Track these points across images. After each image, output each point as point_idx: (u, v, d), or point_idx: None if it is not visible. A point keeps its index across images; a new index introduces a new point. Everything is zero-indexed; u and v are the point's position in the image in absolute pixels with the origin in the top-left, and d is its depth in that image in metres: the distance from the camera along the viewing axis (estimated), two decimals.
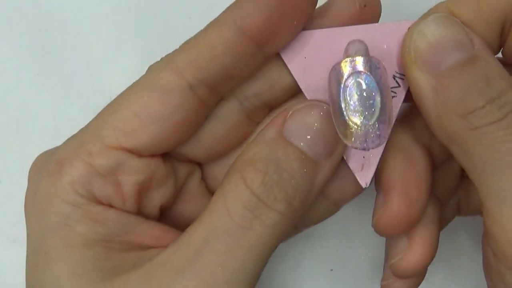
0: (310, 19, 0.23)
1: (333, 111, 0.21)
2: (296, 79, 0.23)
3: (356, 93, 0.20)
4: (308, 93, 0.23)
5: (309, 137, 0.21)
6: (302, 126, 0.21)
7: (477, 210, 0.27)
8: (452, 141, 0.20)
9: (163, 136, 0.22)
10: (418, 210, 0.23)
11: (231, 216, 0.20)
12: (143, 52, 0.32)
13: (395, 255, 0.24)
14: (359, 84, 0.20)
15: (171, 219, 0.25)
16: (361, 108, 0.20)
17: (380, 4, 0.23)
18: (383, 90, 0.20)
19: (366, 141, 0.20)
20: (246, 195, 0.20)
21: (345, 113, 0.20)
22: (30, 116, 0.32)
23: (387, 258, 0.25)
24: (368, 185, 0.24)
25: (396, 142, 0.24)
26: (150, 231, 0.23)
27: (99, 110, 0.23)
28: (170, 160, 0.24)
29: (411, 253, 0.24)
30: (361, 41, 0.22)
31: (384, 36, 0.23)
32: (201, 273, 0.20)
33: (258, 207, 0.20)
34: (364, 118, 0.20)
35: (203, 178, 0.26)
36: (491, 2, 0.22)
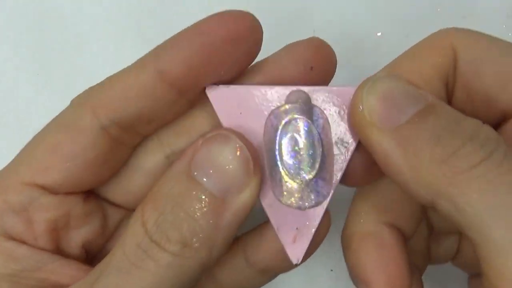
0: (242, 71, 0.21)
1: (267, 161, 0.19)
2: None
3: (295, 141, 0.17)
4: None
5: (211, 171, 0.19)
6: (207, 159, 0.19)
7: (448, 258, 0.26)
8: (437, 196, 0.18)
9: (76, 174, 0.22)
10: None
11: (125, 253, 0.20)
12: (143, 52, 0.32)
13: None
14: (298, 131, 0.18)
15: None
16: (298, 159, 0.17)
17: (334, 67, 0.22)
18: (324, 142, 0.18)
19: (302, 198, 0.17)
20: (140, 233, 0.20)
21: (279, 163, 0.18)
22: (30, 116, 0.33)
23: None
24: (299, 262, 0.21)
25: (362, 229, 0.22)
26: (67, 270, 0.22)
27: None
28: (98, 201, 0.24)
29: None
30: (303, 92, 0.20)
31: (326, 100, 0.20)
32: None
33: (150, 247, 0.19)
34: (301, 170, 0.17)
35: None
36: (430, 63, 0.21)
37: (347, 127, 0.20)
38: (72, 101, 0.22)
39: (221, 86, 0.21)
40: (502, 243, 0.16)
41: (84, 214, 0.23)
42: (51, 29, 0.33)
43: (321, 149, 0.18)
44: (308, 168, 0.17)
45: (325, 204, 0.18)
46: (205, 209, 0.19)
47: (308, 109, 0.18)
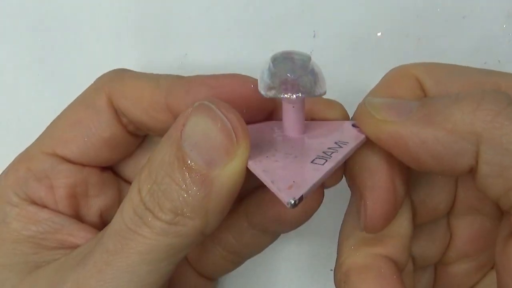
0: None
1: (261, 75, 0.21)
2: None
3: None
4: None
5: (195, 142, 0.19)
6: (192, 130, 0.20)
7: None
8: (480, 141, 0.18)
9: (92, 150, 0.24)
10: (399, 202, 0.22)
11: (123, 218, 0.20)
12: (143, 52, 0.32)
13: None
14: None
15: None
16: (289, 64, 0.20)
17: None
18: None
19: (291, 87, 0.20)
20: (136, 200, 0.20)
21: (273, 68, 0.20)
22: (30, 116, 0.33)
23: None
24: (293, 203, 0.19)
25: (360, 262, 0.22)
26: (83, 233, 0.24)
27: None
28: (114, 176, 0.26)
29: None
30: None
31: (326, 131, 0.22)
32: (91, 269, 0.21)
33: (145, 214, 0.20)
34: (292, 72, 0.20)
35: None
36: (404, 88, 0.22)
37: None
38: (95, 80, 0.25)
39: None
40: None
41: (101, 183, 0.26)
42: (51, 29, 0.33)
43: (309, 62, 0.20)
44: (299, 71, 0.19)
45: (326, 167, 0.19)
46: (192, 180, 0.19)
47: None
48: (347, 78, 0.31)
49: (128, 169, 0.27)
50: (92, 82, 0.25)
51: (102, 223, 0.26)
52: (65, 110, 0.25)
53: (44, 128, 0.25)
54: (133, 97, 0.24)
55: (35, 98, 0.33)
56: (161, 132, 0.22)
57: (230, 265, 0.27)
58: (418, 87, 0.22)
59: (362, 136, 0.22)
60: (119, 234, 0.20)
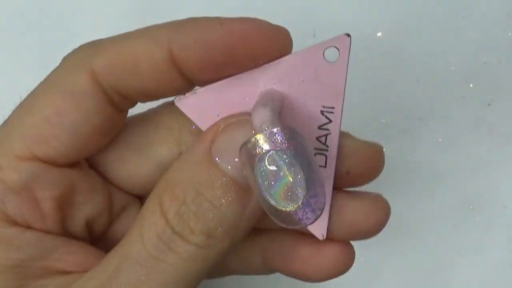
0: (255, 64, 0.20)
1: (257, 195, 0.17)
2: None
3: (274, 176, 0.17)
4: None
5: (236, 159, 0.18)
6: (231, 146, 0.18)
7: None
8: None
9: (80, 144, 0.20)
10: None
11: (145, 245, 0.19)
12: None
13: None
14: (274, 165, 0.17)
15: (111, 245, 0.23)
16: (284, 191, 0.17)
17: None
18: (305, 161, 0.17)
19: (300, 219, 0.17)
20: (161, 225, 0.18)
21: (268, 197, 0.17)
22: None
23: None
24: (324, 237, 0.21)
25: None
26: (72, 256, 0.21)
27: None
28: (101, 179, 0.22)
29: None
30: (265, 106, 0.18)
31: (297, 68, 0.19)
32: None
33: (172, 239, 0.18)
34: (290, 201, 0.17)
35: None
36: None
37: (323, 88, 0.20)
38: (67, 61, 0.20)
39: (188, 95, 0.20)
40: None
41: (89, 187, 0.21)
42: (51, 29, 0.33)
43: (301, 173, 0.17)
44: (296, 197, 0.17)
45: (324, 210, 0.18)
46: (230, 198, 0.18)
47: (276, 135, 0.17)
48: (347, 78, 0.31)
49: (120, 174, 0.23)
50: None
51: (87, 235, 0.22)
52: (32, 99, 0.20)
53: None
54: (126, 66, 0.19)
55: None
56: (168, 95, 0.21)
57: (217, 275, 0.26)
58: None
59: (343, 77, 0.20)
60: (140, 264, 0.18)
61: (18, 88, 0.33)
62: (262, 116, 0.18)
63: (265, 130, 0.17)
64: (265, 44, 0.19)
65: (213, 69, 0.19)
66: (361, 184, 0.21)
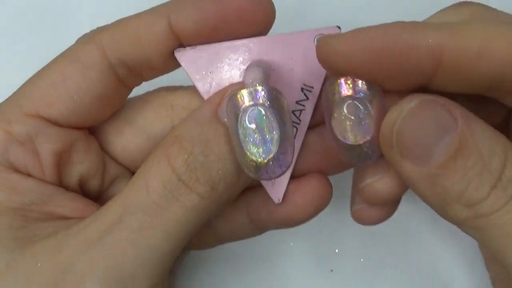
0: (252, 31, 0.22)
1: (233, 142, 0.20)
2: (203, 96, 0.22)
3: (253, 127, 0.19)
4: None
5: None
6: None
7: None
8: (460, 225, 0.19)
9: (82, 109, 0.22)
10: None
11: (149, 194, 0.20)
12: None
13: (371, 176, 0.22)
14: (256, 118, 0.19)
15: None
16: (259, 143, 0.19)
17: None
18: (283, 121, 0.19)
19: (267, 172, 0.19)
20: (167, 173, 0.20)
21: (243, 145, 0.19)
22: None
23: (358, 181, 0.23)
24: (280, 201, 0.23)
25: None
26: (71, 203, 0.22)
27: None
28: (97, 144, 0.24)
29: (392, 174, 0.21)
30: (259, 66, 0.21)
31: (289, 47, 0.22)
32: (111, 248, 0.19)
33: (178, 187, 0.20)
34: (263, 152, 0.19)
35: None
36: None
37: (308, 69, 0.21)
38: (79, 40, 0.23)
39: (188, 48, 0.22)
40: None
41: (86, 148, 0.23)
42: (51, 29, 0.33)
43: (278, 131, 0.19)
44: (268, 150, 0.19)
45: (288, 169, 0.20)
46: (233, 154, 0.20)
47: (264, 92, 0.19)
48: None
49: (114, 144, 0.24)
50: None
51: (81, 192, 0.24)
52: (44, 69, 0.23)
53: None
54: (129, 38, 0.21)
55: None
56: (167, 68, 0.22)
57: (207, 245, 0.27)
58: None
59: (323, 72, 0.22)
60: (143, 211, 0.19)
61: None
62: (254, 74, 0.20)
63: (255, 86, 0.19)
64: (251, 8, 0.21)
65: (207, 35, 0.21)
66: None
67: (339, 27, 0.22)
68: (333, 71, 0.20)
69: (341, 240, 0.32)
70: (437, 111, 0.18)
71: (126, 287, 0.19)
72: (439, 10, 0.22)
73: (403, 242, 0.32)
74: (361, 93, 0.19)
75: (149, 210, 0.19)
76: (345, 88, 0.19)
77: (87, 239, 0.20)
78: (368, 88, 0.19)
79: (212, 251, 0.31)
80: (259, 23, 0.21)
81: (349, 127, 0.19)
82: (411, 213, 0.31)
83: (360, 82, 0.19)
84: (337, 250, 0.32)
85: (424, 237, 0.32)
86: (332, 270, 0.32)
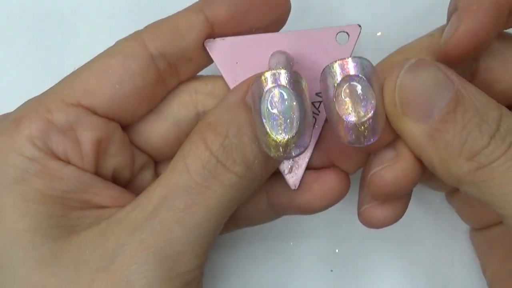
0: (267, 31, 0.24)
1: (255, 121, 0.21)
2: (229, 85, 0.24)
3: (276, 107, 0.20)
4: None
5: None
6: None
7: None
8: (461, 183, 0.20)
9: (121, 101, 0.23)
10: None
11: (191, 174, 0.21)
12: None
13: (378, 165, 0.23)
14: (278, 99, 0.20)
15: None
16: (280, 123, 0.20)
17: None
18: (303, 104, 0.20)
19: (287, 151, 0.20)
20: (206, 156, 0.21)
21: (266, 125, 0.20)
22: None
23: (366, 174, 0.24)
24: (296, 187, 0.24)
25: None
26: (108, 192, 0.23)
27: None
28: (127, 137, 0.25)
29: (399, 162, 0.22)
30: (283, 53, 0.23)
31: (311, 42, 0.23)
32: (158, 228, 0.20)
33: (216, 168, 0.21)
34: (284, 132, 0.20)
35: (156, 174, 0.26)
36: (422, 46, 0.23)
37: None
38: (118, 40, 0.24)
39: (217, 39, 0.24)
40: None
41: (122, 142, 0.24)
42: (51, 29, 0.33)
43: (298, 113, 0.20)
44: (290, 130, 0.20)
45: (307, 149, 0.21)
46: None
47: (287, 75, 0.20)
48: None
49: (140, 134, 0.25)
50: None
51: (112, 182, 0.24)
52: (87, 63, 0.23)
53: None
54: (169, 30, 0.23)
55: None
56: (204, 62, 0.24)
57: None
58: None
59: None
60: (186, 191, 0.21)
61: (18, 88, 0.33)
62: (278, 58, 0.22)
63: (278, 69, 0.20)
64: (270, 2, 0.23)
65: (239, 20, 0.23)
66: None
67: (359, 26, 0.23)
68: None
69: (341, 240, 0.32)
70: (434, 70, 0.20)
71: (174, 264, 0.20)
72: (442, 9, 0.22)
73: (403, 242, 0.32)
74: (359, 73, 0.20)
75: (192, 189, 0.21)
76: (344, 68, 0.20)
77: (133, 224, 0.21)
78: (366, 66, 0.20)
79: (212, 251, 0.31)
80: (280, 11, 0.24)
81: (352, 106, 0.20)
82: (411, 213, 0.31)
83: (357, 60, 0.20)
84: (337, 250, 0.32)
85: (424, 237, 0.32)
86: (332, 270, 0.32)
